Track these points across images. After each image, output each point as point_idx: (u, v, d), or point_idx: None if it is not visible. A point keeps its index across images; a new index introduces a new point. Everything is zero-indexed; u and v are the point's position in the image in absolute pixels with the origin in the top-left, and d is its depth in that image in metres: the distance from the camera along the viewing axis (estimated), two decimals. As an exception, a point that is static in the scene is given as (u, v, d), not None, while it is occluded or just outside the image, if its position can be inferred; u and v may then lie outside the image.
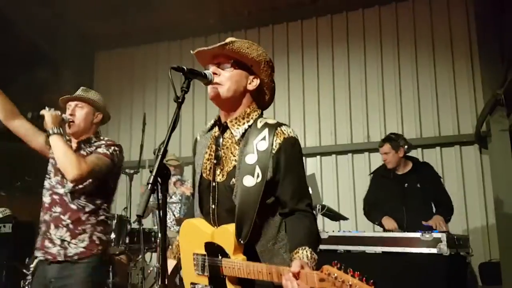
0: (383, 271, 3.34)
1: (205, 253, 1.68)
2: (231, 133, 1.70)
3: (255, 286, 1.56)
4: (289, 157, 1.63)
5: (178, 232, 4.80)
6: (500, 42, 5.27)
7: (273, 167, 1.61)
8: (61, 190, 2.49)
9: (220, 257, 1.61)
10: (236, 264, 1.54)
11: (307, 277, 1.34)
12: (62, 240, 2.43)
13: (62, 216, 2.46)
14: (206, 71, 1.65)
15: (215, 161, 1.72)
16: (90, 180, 2.46)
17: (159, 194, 1.33)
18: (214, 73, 1.68)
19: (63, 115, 2.57)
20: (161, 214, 1.34)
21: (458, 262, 3.35)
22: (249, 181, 1.60)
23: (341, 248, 3.49)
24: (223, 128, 1.73)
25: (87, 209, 2.48)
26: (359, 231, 4.00)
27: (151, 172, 1.31)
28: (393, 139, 4.01)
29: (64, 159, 2.36)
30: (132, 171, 5.24)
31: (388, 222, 3.81)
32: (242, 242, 1.57)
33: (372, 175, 4.33)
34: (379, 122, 5.90)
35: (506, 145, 5.07)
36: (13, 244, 4.40)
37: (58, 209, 2.47)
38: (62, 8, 6.05)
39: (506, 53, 5.05)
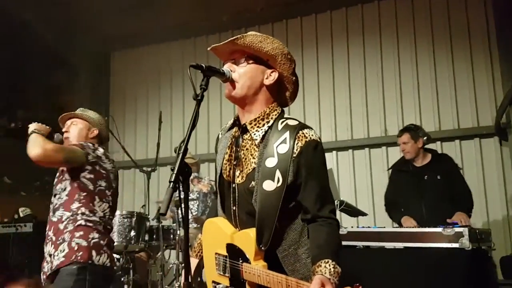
0: (404, 266, 3.31)
1: (226, 254, 1.66)
2: (250, 134, 1.66)
3: None
4: (311, 161, 1.58)
5: (195, 229, 4.87)
6: (519, 31, 5.16)
7: (294, 171, 1.56)
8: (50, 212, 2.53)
9: (240, 260, 1.59)
10: (256, 270, 1.52)
11: None
12: (50, 255, 2.42)
13: (48, 232, 2.48)
14: (224, 68, 1.64)
15: (234, 162, 1.69)
16: (64, 170, 2.50)
17: (181, 192, 1.34)
18: (229, 70, 1.65)
19: (56, 134, 2.62)
20: (183, 212, 1.34)
21: (480, 256, 3.29)
22: (269, 185, 1.55)
23: (360, 244, 3.47)
24: (243, 129, 1.69)
25: (64, 218, 2.45)
26: (378, 226, 3.97)
27: (172, 170, 1.32)
28: (412, 129, 3.96)
29: (30, 143, 2.36)
30: (149, 169, 5.28)
31: (407, 222, 3.77)
32: (263, 248, 1.54)
33: (390, 170, 4.28)
34: (397, 115, 5.82)
35: (527, 136, 4.97)
36: (34, 243, 4.48)
37: (48, 227, 2.51)
38: (77, 10, 6.10)
39: (526, 43, 4.95)
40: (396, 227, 3.88)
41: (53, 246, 2.41)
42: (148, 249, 4.58)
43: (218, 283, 1.70)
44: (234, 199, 1.68)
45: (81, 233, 2.41)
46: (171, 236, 4.55)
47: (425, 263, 3.23)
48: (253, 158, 1.63)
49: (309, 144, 1.58)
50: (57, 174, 2.64)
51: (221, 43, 1.67)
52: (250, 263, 1.55)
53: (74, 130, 2.66)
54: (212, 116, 6.63)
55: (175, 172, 1.30)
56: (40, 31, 6.23)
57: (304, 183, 1.57)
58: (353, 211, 4.38)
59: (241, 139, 1.69)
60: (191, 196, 5.19)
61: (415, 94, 5.80)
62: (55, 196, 2.55)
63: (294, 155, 1.56)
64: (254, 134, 1.64)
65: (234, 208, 1.68)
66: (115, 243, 4.24)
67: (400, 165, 4.15)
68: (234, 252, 1.62)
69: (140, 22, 6.42)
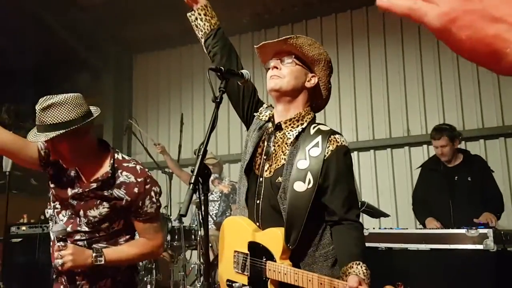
0: (427, 268, 3.26)
1: (247, 252, 1.69)
2: (284, 133, 1.73)
3: None
4: (341, 165, 1.64)
5: (216, 230, 4.91)
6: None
7: (323, 174, 1.62)
8: None
9: (264, 259, 1.62)
10: (283, 268, 1.54)
11: None
12: None
13: None
14: (243, 71, 1.67)
15: (265, 157, 1.75)
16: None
17: (201, 193, 1.36)
18: (275, 67, 1.73)
19: None
20: (202, 213, 1.36)
21: (505, 258, 3.22)
22: (300, 186, 1.60)
23: (382, 245, 3.44)
24: (277, 126, 1.76)
25: None
26: (400, 228, 3.92)
27: (192, 172, 1.34)
28: (449, 130, 3.81)
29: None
30: (171, 171, 5.35)
31: (431, 224, 3.71)
32: (290, 247, 1.58)
33: (420, 168, 4.20)
34: (419, 115, 5.74)
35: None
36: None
37: None
38: (99, 14, 6.23)
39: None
40: (420, 228, 3.83)
41: None
42: (170, 250, 4.64)
43: (234, 282, 1.72)
44: (259, 193, 1.72)
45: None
46: (193, 236, 4.59)
47: (449, 265, 3.18)
48: (284, 155, 1.69)
49: (340, 149, 1.65)
50: None
51: (275, 40, 1.72)
52: (275, 261, 1.58)
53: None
54: (232, 117, 6.66)
55: (194, 174, 1.32)
56: (66, 35, 6.39)
57: (332, 186, 1.62)
58: (375, 212, 4.34)
59: (274, 136, 1.76)
60: (212, 197, 5.23)
61: (438, 93, 5.71)
62: None
63: (325, 158, 1.63)
64: (288, 133, 1.71)
65: (258, 201, 1.72)
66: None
67: (431, 164, 4.07)
68: (258, 251, 1.65)
69: (162, 25, 6.51)
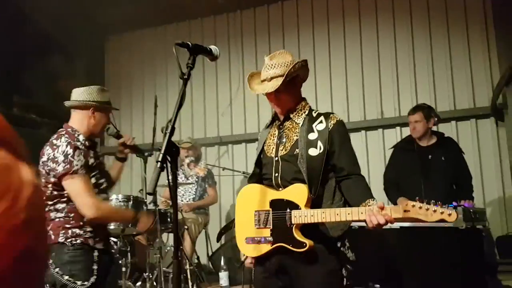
0: (399, 246, 3.34)
1: (269, 209, 2.04)
2: (293, 120, 2.17)
3: (318, 235, 1.96)
4: (342, 133, 2.11)
5: (194, 213, 4.90)
6: (516, 11, 5.11)
7: (330, 141, 2.06)
8: None
9: (288, 210, 1.98)
10: (309, 212, 1.93)
11: (392, 210, 1.79)
12: None
13: None
14: (211, 46, 1.65)
15: (278, 141, 2.17)
16: None
17: (169, 172, 1.34)
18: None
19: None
20: (171, 191, 1.34)
21: (474, 235, 3.32)
22: (314, 151, 2.04)
23: (355, 224, 3.48)
24: (285, 118, 2.20)
25: None
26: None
27: (159, 150, 1.31)
28: (425, 108, 3.94)
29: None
30: (146, 154, 5.28)
31: (402, 203, 3.77)
32: (313, 196, 1.98)
33: (393, 149, 4.25)
34: (393, 97, 5.80)
35: (523, 116, 4.96)
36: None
37: None
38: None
39: (523, 22, 4.90)
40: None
41: None
42: (146, 233, 4.60)
43: (254, 237, 2.05)
44: (277, 168, 2.12)
45: None
46: (168, 219, 4.56)
47: (420, 243, 3.26)
48: (296, 135, 2.13)
49: (339, 123, 2.15)
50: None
51: (264, 92, 2.14)
52: (300, 209, 1.95)
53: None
54: (208, 99, 6.61)
55: (162, 151, 1.30)
56: (35, 16, 6.17)
57: (338, 149, 2.07)
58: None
59: (283, 126, 2.20)
60: (189, 180, 5.20)
61: (411, 76, 5.77)
62: None
63: (329, 129, 2.09)
64: (297, 119, 2.17)
65: (276, 174, 2.11)
66: (112, 226, 4.29)
67: (405, 144, 4.13)
68: (281, 205, 2.02)
69: (134, 5, 6.36)
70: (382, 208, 1.77)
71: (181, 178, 5.25)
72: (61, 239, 2.35)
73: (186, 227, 4.68)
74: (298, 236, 1.92)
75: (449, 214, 1.68)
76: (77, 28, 6.81)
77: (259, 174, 2.24)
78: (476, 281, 3.22)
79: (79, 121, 2.55)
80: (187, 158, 5.26)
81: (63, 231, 2.36)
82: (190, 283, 4.44)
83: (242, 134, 6.24)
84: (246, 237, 2.06)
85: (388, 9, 5.94)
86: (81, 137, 2.51)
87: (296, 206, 1.96)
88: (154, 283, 4.36)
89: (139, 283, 4.38)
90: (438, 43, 5.70)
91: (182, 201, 5.02)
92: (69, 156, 2.36)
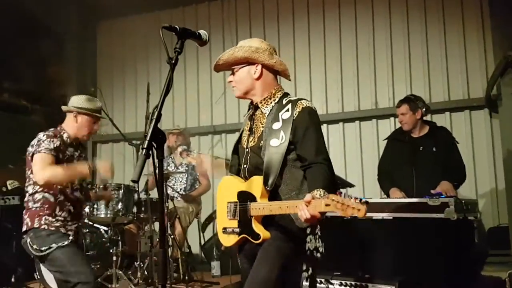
0: (391, 237, 3.33)
1: (237, 200, 2.08)
2: (260, 110, 2.15)
3: (275, 223, 2.00)
4: (306, 121, 2.04)
5: (185, 202, 4.87)
6: (512, 1, 5.07)
7: (293, 130, 2.02)
8: None
9: (249, 202, 2.01)
10: (261, 205, 1.97)
11: (315, 204, 1.76)
12: None
13: None
14: (200, 31, 1.61)
15: (249, 133, 2.18)
16: None
17: (155, 159, 1.30)
18: (230, 80, 2.18)
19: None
20: (157, 178, 1.30)
21: (466, 226, 3.32)
22: (275, 142, 2.02)
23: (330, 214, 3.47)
24: (255, 108, 2.18)
25: None
26: (365, 197, 3.97)
27: (145, 137, 1.27)
28: (412, 100, 3.93)
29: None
30: (138, 142, 5.23)
31: (394, 194, 3.77)
32: (268, 188, 1.98)
33: (386, 140, 4.24)
34: (387, 87, 5.77)
35: (516, 108, 4.95)
36: (21, 216, 4.47)
37: None
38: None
39: (519, 13, 4.87)
40: (384, 198, 3.89)
41: None
42: (137, 221, 4.58)
43: (228, 227, 2.12)
44: (246, 160, 2.15)
45: None
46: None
47: (412, 234, 3.25)
48: (262, 125, 2.12)
49: (304, 109, 2.07)
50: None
51: (215, 69, 2.20)
52: (257, 201, 1.99)
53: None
54: (202, 88, 6.55)
55: (147, 138, 1.26)
56: (27, 1, 6.05)
57: (301, 139, 2.02)
58: (341, 183, 4.38)
59: (254, 115, 2.19)
60: (180, 169, 5.16)
61: (406, 66, 5.74)
62: None
63: (293, 118, 2.04)
64: (264, 109, 2.14)
65: (244, 166, 2.15)
66: (103, 215, 4.26)
67: (397, 134, 4.13)
68: (244, 197, 2.05)
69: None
70: (308, 202, 1.76)
71: (171, 168, 5.20)
72: (36, 225, 2.75)
73: (178, 216, 4.65)
74: (256, 227, 1.98)
75: (358, 210, 1.68)
76: (69, 12, 6.71)
77: (239, 165, 2.26)
78: (467, 272, 3.22)
79: (66, 122, 2.99)
80: (180, 147, 5.20)
81: (37, 218, 2.76)
82: (181, 272, 4.43)
83: (236, 123, 6.18)
84: (223, 227, 2.15)
85: (385, 0, 5.89)
86: (65, 135, 2.92)
87: (254, 198, 2.00)
88: (145, 272, 4.35)
89: (130, 272, 4.36)
90: (433, 33, 5.66)
91: (172, 190, 4.97)
92: (41, 141, 2.77)
